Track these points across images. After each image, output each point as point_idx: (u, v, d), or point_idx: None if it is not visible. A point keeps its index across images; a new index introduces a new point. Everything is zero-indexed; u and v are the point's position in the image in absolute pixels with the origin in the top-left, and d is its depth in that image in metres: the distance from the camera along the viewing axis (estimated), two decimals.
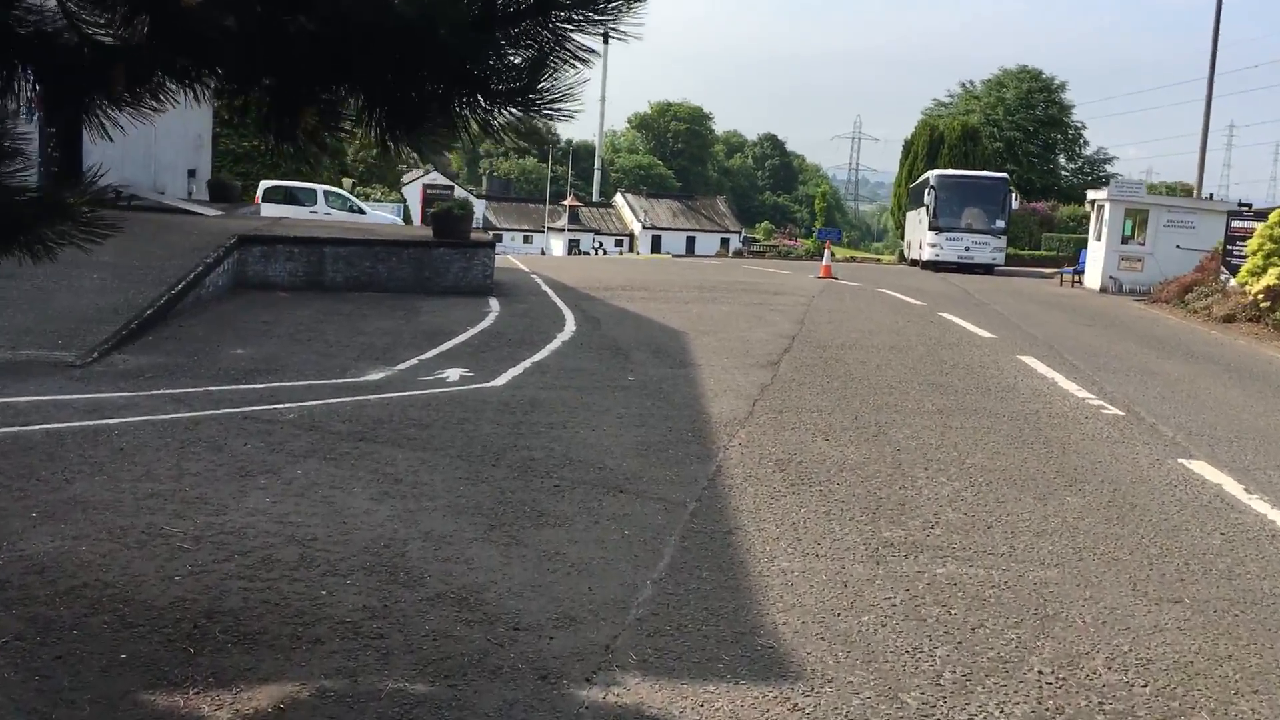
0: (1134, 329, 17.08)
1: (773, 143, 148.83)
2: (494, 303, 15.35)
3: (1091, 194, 28.35)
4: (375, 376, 9.11)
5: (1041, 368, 11.57)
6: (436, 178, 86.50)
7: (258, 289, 14.97)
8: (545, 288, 18.49)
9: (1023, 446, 7.60)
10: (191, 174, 24.29)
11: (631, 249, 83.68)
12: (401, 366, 9.66)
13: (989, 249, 33.43)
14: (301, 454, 6.42)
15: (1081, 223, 50.89)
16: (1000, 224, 33.73)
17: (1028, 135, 63.76)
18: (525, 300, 16.13)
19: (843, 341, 12.87)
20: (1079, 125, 66.11)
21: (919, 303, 19.11)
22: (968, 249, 33.31)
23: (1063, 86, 65.08)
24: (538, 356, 10.61)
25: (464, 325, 12.72)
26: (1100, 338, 15.20)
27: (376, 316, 13.13)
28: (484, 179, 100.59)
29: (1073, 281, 28.27)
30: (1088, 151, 67.79)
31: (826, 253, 26.53)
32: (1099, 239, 26.80)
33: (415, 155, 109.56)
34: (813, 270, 29.42)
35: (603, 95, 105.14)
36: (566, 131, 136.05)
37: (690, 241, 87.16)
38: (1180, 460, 7.44)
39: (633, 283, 20.18)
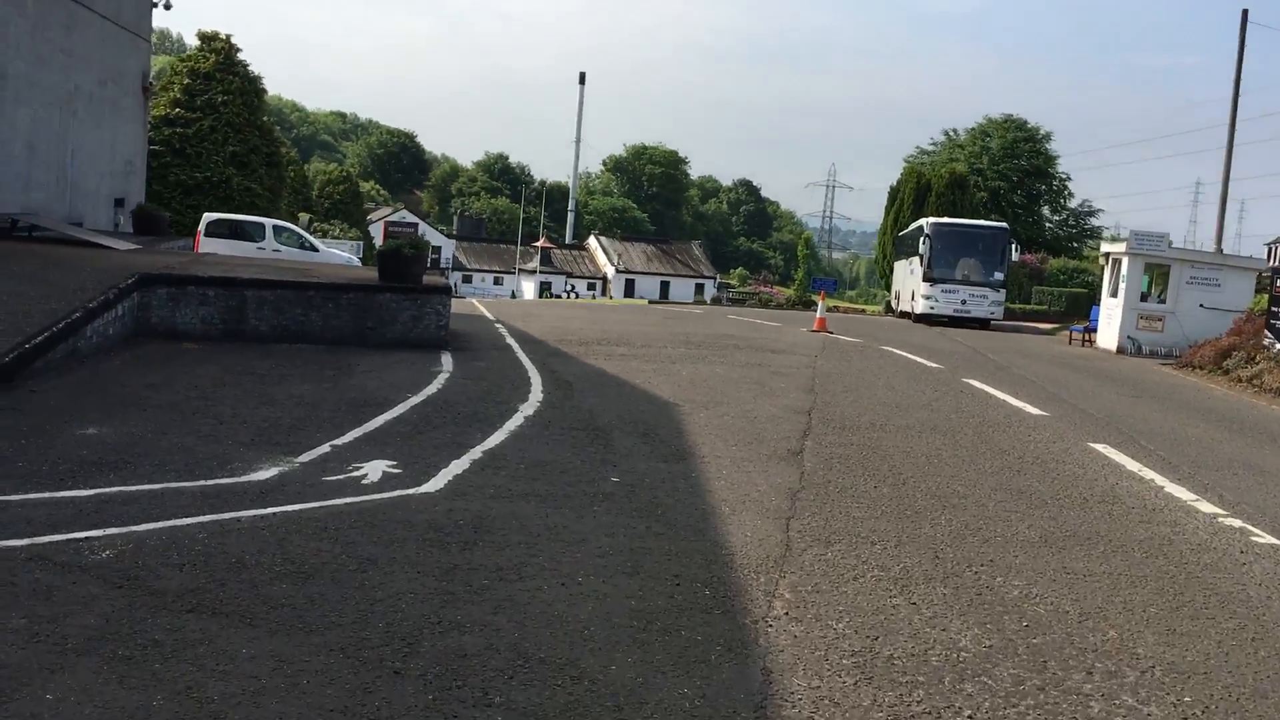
0: (1187, 403, 14.86)
1: (748, 188, 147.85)
2: (446, 360, 12.89)
3: (1106, 246, 26.38)
4: (262, 475, 6.60)
5: (1127, 461, 9.24)
6: (404, 215, 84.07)
7: (164, 339, 12.44)
8: (510, 340, 16.05)
9: (1199, 616, 5.19)
10: (119, 203, 21.74)
11: (604, 293, 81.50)
12: (306, 457, 7.16)
13: (987, 302, 31.43)
14: (79, 646, 3.91)
15: (1074, 276, 49.35)
16: (999, 276, 31.79)
17: (1012, 185, 62.46)
18: (485, 357, 13.68)
19: (871, 420, 10.49)
20: (1064, 176, 64.87)
21: (935, 365, 16.84)
22: (964, 302, 31.29)
23: (1048, 137, 63.93)
24: (492, 441, 8.14)
25: (404, 391, 10.24)
26: (1161, 415, 12.94)
27: (298, 378, 10.63)
28: (455, 218, 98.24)
29: (1084, 340, 26.22)
30: (1072, 204, 66.52)
31: (821, 304, 24.30)
32: (1114, 295, 24.76)
33: (384, 191, 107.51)
34: (803, 322, 27.20)
35: (578, 136, 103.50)
36: (540, 172, 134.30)
37: (664, 286, 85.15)
38: None
39: (609, 335, 17.79)
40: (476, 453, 7.69)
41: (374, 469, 6.95)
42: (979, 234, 32.61)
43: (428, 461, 7.29)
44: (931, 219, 33.04)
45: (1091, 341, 25.92)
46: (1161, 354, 23.21)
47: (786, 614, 4.71)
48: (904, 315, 35.46)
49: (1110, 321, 24.85)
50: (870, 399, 12.08)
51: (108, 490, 5.99)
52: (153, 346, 11.86)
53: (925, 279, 31.39)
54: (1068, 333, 27.73)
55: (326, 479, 6.65)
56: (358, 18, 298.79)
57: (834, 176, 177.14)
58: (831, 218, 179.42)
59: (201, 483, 6.32)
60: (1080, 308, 44.23)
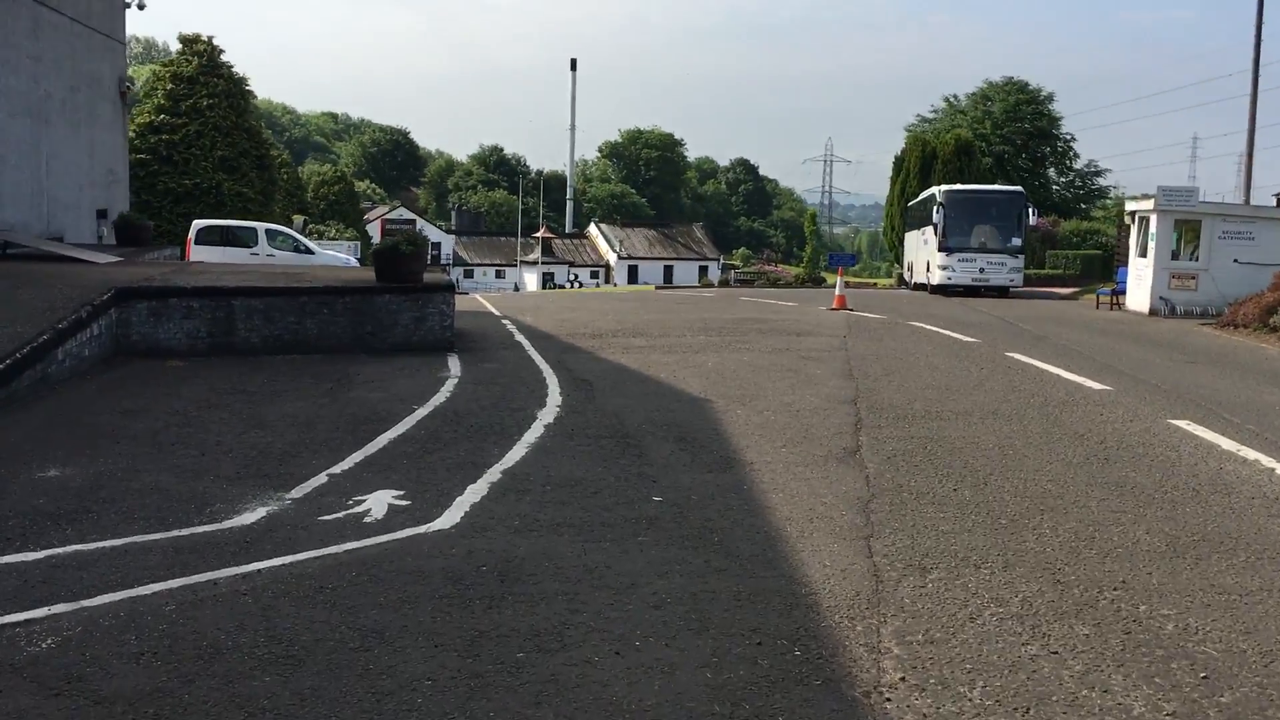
0: (1246, 365, 13.84)
1: (745, 167, 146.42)
2: (454, 363, 11.92)
3: (1132, 205, 25.26)
4: (247, 519, 5.64)
5: (1220, 440, 8.24)
6: (402, 212, 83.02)
7: (146, 357, 11.49)
8: (520, 337, 15.07)
9: None
10: (102, 215, 20.75)
11: (608, 280, 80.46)
12: (299, 491, 6.20)
13: (1005, 270, 30.34)
14: None
15: (1086, 238, 48.18)
16: (1017, 242, 30.66)
17: (1017, 149, 61.26)
18: (495, 357, 12.71)
19: (924, 407, 9.50)
20: (1069, 137, 63.58)
21: (970, 339, 15.83)
22: (982, 270, 30.20)
23: (1050, 98, 62.62)
24: (510, 458, 7.17)
25: (409, 403, 9.28)
26: (1228, 382, 11.93)
27: (292, 393, 9.67)
28: (453, 213, 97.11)
29: (1112, 303, 25.16)
30: (1078, 165, 65.28)
31: (839, 281, 23.27)
32: (1144, 255, 23.68)
33: (380, 190, 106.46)
34: (819, 300, 26.18)
35: (572, 124, 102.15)
36: (537, 162, 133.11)
37: (668, 270, 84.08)
38: None
39: (624, 326, 16.80)
40: (494, 473, 6.73)
41: (378, 502, 5.99)
42: (994, 199, 31.49)
43: (439, 488, 6.32)
44: (944, 187, 31.92)
45: (1121, 304, 24.86)
46: (1197, 313, 22.17)
47: (903, 679, 3.74)
48: (919, 287, 34.43)
49: (1140, 283, 23.78)
50: (915, 382, 11.09)
51: (61, 551, 5.04)
52: (133, 367, 10.91)
53: (941, 249, 30.30)
54: (1095, 296, 26.65)
55: (323, 518, 5.69)
56: (343, 17, 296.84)
57: (831, 151, 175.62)
58: (831, 192, 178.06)
59: (174, 533, 5.37)
60: (1095, 270, 43.14)
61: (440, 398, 9.64)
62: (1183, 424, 8.88)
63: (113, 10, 21.17)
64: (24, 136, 17.07)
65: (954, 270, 30.14)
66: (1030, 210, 31.35)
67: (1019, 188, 34.77)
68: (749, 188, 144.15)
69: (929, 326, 17.94)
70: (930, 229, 31.72)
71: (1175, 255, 23.44)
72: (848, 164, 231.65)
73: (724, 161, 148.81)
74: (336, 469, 6.77)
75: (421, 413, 8.85)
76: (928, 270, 31.85)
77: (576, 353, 13.34)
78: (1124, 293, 24.99)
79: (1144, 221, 23.85)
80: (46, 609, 4.28)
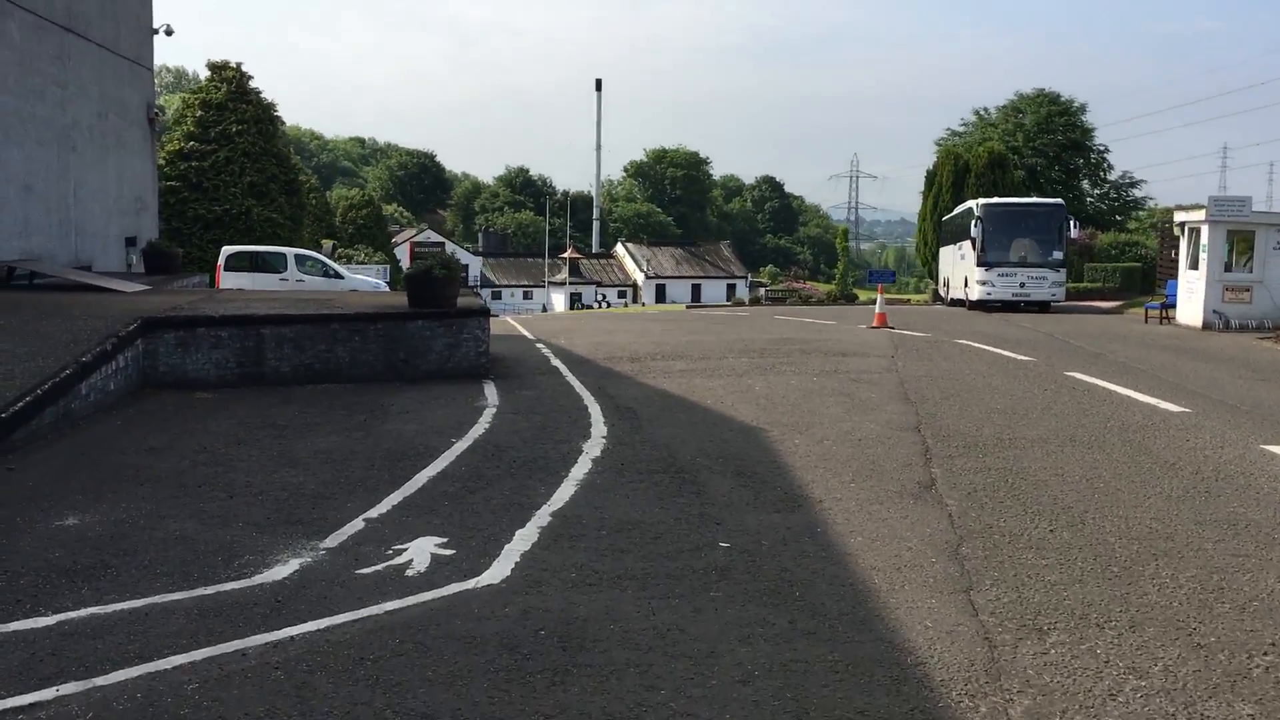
0: None
1: (771, 185, 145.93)
2: (490, 391, 11.44)
3: (1181, 215, 24.51)
4: (278, 573, 5.14)
5: None
6: (429, 235, 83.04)
7: (173, 389, 11.08)
8: (555, 361, 14.58)
9: None
10: (131, 242, 20.50)
11: (635, 300, 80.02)
12: (333, 540, 5.71)
13: (1047, 284, 29.60)
14: None
15: (1125, 250, 47.27)
16: (1058, 255, 29.93)
17: (1050, 161, 60.38)
18: (532, 383, 12.22)
19: (994, 434, 8.91)
20: (1102, 149, 62.55)
21: (1024, 357, 15.19)
22: (1023, 285, 29.49)
23: (1082, 109, 61.63)
24: (560, 498, 6.65)
25: (447, 435, 8.79)
26: None
27: (325, 426, 9.20)
28: (479, 235, 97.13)
29: (1161, 317, 24.37)
30: (1112, 176, 64.20)
31: (879, 298, 22.65)
32: (1194, 267, 22.92)
33: (408, 213, 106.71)
34: (857, 318, 25.59)
35: (598, 143, 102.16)
36: (562, 183, 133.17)
37: (696, 289, 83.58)
38: None
39: (661, 348, 16.28)
40: (544, 516, 6.20)
41: (420, 551, 5.48)
42: (1033, 212, 30.77)
43: (486, 534, 5.80)
44: (982, 200, 31.24)
45: (1171, 318, 24.08)
46: (1253, 327, 21.39)
47: None
48: (956, 303, 33.74)
49: (1192, 296, 23.01)
50: (979, 406, 10.49)
51: (75, 615, 4.56)
52: (160, 399, 10.49)
53: (979, 263, 29.62)
54: (1143, 310, 25.86)
55: (361, 571, 5.18)
56: (370, 44, 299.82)
57: (856, 166, 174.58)
58: (857, 208, 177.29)
59: (199, 591, 4.88)
60: (1136, 283, 42.23)
61: (479, 429, 9.14)
62: (1275, 449, 8.23)
63: (141, 36, 20.99)
64: (51, 164, 16.82)
65: (994, 285, 29.45)
66: (1071, 223, 30.62)
67: (1059, 200, 34.05)
68: (775, 205, 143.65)
69: (977, 344, 17.31)
70: (968, 243, 31.06)
71: (1228, 267, 22.67)
72: (873, 179, 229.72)
73: (749, 179, 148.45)
74: (373, 512, 6.27)
75: (460, 446, 8.35)
76: (966, 285, 31.18)
77: (616, 378, 12.83)
78: (1174, 306, 24.21)
79: (1194, 233, 23.10)
80: (54, 689, 3.79)
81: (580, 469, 7.52)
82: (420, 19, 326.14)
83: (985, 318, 25.93)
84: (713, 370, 13.48)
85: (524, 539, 5.71)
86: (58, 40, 16.87)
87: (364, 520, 6.09)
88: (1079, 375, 13.01)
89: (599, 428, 9.28)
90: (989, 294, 29.32)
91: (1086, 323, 24.35)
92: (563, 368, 13.86)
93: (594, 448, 8.33)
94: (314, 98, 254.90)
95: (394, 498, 6.64)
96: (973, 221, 30.14)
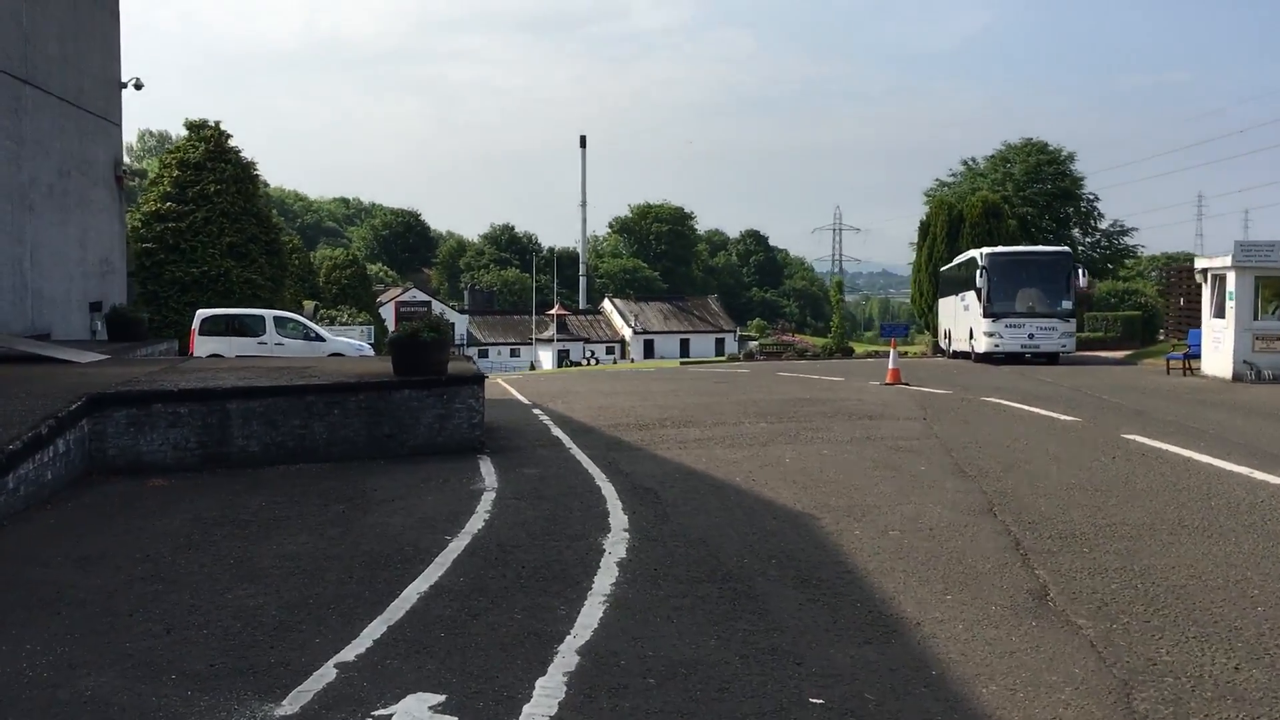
0: None
1: (755, 238, 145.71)
2: (487, 470, 10.07)
3: (1203, 261, 23.46)
4: None
5: None
6: (415, 294, 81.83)
7: (124, 474, 9.67)
8: (556, 431, 13.24)
9: None
10: (96, 307, 19.12)
11: (624, 356, 78.80)
12: (293, 704, 4.30)
13: (1057, 334, 28.50)
14: None
15: (1124, 299, 46.47)
16: (1067, 305, 28.87)
17: (1040, 210, 59.85)
18: (533, 459, 10.85)
19: (1084, 520, 7.58)
20: (1092, 197, 62.09)
21: (1066, 417, 13.93)
22: (1032, 336, 28.38)
23: (1071, 158, 61.20)
24: (585, 624, 5.27)
25: (440, 529, 7.41)
26: None
27: (296, 521, 7.80)
28: (465, 293, 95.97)
29: (1185, 368, 23.20)
30: (1103, 225, 63.63)
31: (893, 353, 21.41)
32: (1220, 315, 21.81)
33: (393, 272, 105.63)
34: (865, 372, 24.37)
35: (583, 200, 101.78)
36: (548, 239, 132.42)
37: (684, 344, 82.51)
38: None
39: (669, 413, 14.96)
40: (569, 654, 4.82)
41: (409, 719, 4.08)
42: (1040, 261, 29.76)
43: (497, 687, 4.41)
44: (986, 249, 30.22)
45: (1194, 369, 22.93)
46: None
47: None
48: (959, 355, 32.69)
49: (1218, 346, 21.88)
50: (1049, 481, 9.17)
51: None
52: (107, 490, 9.08)
53: (986, 314, 28.56)
54: (1165, 361, 24.71)
55: None
56: (353, 105, 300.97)
57: (840, 219, 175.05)
58: (841, 260, 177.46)
59: None
60: (1137, 332, 41.35)
61: (477, 521, 7.76)
62: None
63: (107, 90, 19.80)
64: (4, 224, 15.49)
65: (1001, 336, 28.35)
66: (1080, 271, 29.62)
67: (1065, 248, 33.15)
68: (760, 258, 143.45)
69: (1008, 402, 16.05)
70: (971, 294, 30.05)
71: (1254, 315, 21.56)
72: (856, 232, 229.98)
73: (734, 233, 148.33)
74: (348, 653, 4.87)
75: (457, 546, 6.96)
76: (971, 337, 30.09)
77: (627, 450, 11.48)
78: (1197, 356, 23.08)
79: (1218, 280, 22.03)
80: None
81: (605, 578, 6.14)
82: (403, 80, 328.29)
83: (996, 371, 24.75)
84: (732, 439, 12.15)
85: (547, 695, 4.32)
86: (12, 92, 15.62)
87: (336, 667, 4.69)
88: (1139, 438, 11.73)
89: (618, 516, 7.91)
90: (996, 346, 28.21)
91: (1104, 375, 23.17)
92: (565, 438, 12.51)
93: (617, 545, 6.96)
94: (298, 158, 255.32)
95: (375, 628, 5.24)
96: (977, 271, 29.11)
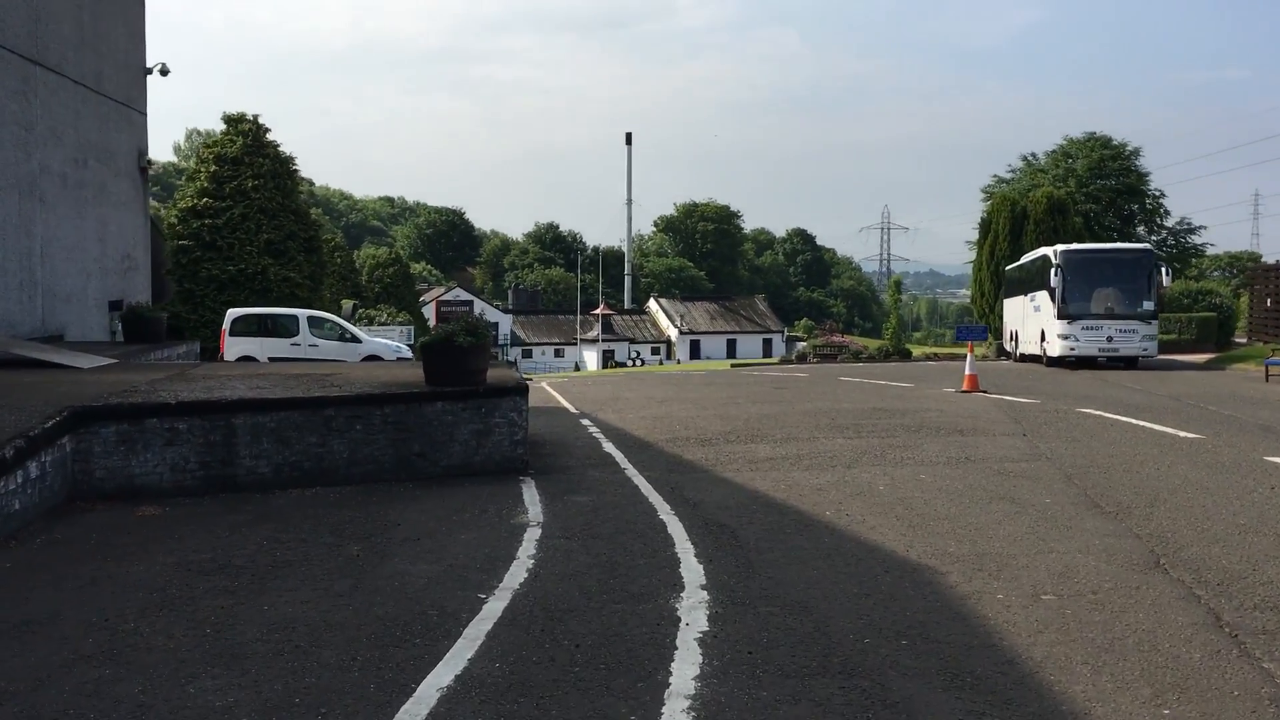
0: None
1: (803, 237, 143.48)
2: (531, 497, 8.64)
3: None
4: None
5: None
6: (458, 293, 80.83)
7: (113, 500, 8.36)
8: (608, 446, 11.79)
9: None
10: (116, 306, 17.97)
11: (670, 356, 77.26)
12: None
13: (1138, 338, 26.58)
14: None
15: (1197, 299, 44.26)
16: (1149, 306, 26.93)
17: (1104, 207, 57.47)
18: (584, 482, 9.40)
19: None
20: (1158, 194, 59.57)
21: (1187, 434, 12.23)
22: (1110, 339, 26.49)
23: (1136, 153, 58.72)
24: None
25: (473, 583, 5.98)
26: None
27: (300, 568, 6.40)
28: (509, 293, 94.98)
29: None
30: (1169, 222, 61.07)
31: (970, 358, 19.70)
32: None
33: (436, 271, 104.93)
34: (935, 377, 22.69)
35: (629, 198, 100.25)
36: (592, 238, 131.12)
37: (731, 344, 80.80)
38: None
39: (733, 424, 13.44)
40: None
41: None
42: (1120, 259, 27.81)
43: None
44: (1061, 246, 28.30)
45: None
46: None
47: None
48: (1027, 359, 30.90)
49: None
50: (1213, 521, 7.54)
51: None
52: (88, 521, 7.75)
53: (1060, 316, 26.70)
54: (1264, 367, 22.76)
55: None
56: (399, 107, 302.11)
57: (888, 218, 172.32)
58: (889, 260, 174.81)
59: None
60: (1211, 334, 39.27)
61: (519, 571, 6.30)
62: None
63: (130, 75, 18.64)
64: (8, 216, 14.32)
65: (1077, 339, 26.48)
66: (1163, 270, 27.64)
67: (1147, 245, 31.12)
68: (807, 258, 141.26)
69: (1108, 414, 14.34)
70: (1043, 294, 28.22)
71: None
72: (904, 231, 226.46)
73: (780, 232, 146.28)
74: None
75: (493, 610, 5.50)
76: (1043, 340, 28.25)
77: (690, 471, 9.99)
78: None
79: None
80: None
81: (686, 665, 4.65)
82: (450, 82, 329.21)
83: (1075, 377, 22.92)
84: (810, 458, 10.61)
85: None
86: (18, 72, 14.44)
87: None
88: None
89: (691, 564, 6.42)
90: (1072, 349, 26.36)
91: (1196, 382, 21.28)
92: (619, 455, 11.06)
93: (695, 611, 5.46)
94: (344, 159, 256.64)
95: None
96: (1051, 270, 27.25)
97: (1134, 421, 13.49)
